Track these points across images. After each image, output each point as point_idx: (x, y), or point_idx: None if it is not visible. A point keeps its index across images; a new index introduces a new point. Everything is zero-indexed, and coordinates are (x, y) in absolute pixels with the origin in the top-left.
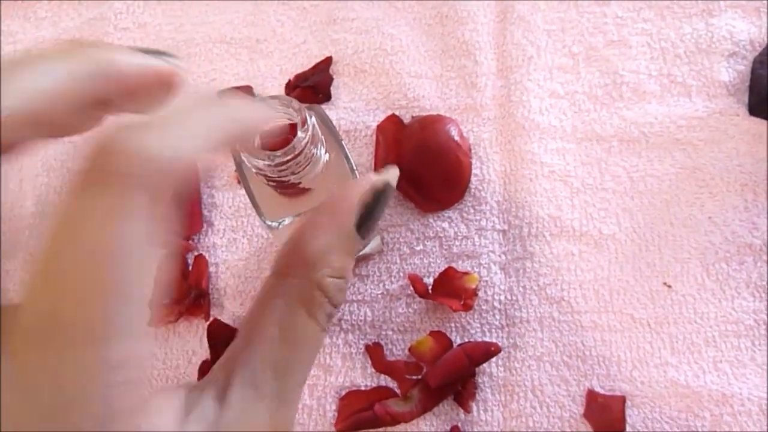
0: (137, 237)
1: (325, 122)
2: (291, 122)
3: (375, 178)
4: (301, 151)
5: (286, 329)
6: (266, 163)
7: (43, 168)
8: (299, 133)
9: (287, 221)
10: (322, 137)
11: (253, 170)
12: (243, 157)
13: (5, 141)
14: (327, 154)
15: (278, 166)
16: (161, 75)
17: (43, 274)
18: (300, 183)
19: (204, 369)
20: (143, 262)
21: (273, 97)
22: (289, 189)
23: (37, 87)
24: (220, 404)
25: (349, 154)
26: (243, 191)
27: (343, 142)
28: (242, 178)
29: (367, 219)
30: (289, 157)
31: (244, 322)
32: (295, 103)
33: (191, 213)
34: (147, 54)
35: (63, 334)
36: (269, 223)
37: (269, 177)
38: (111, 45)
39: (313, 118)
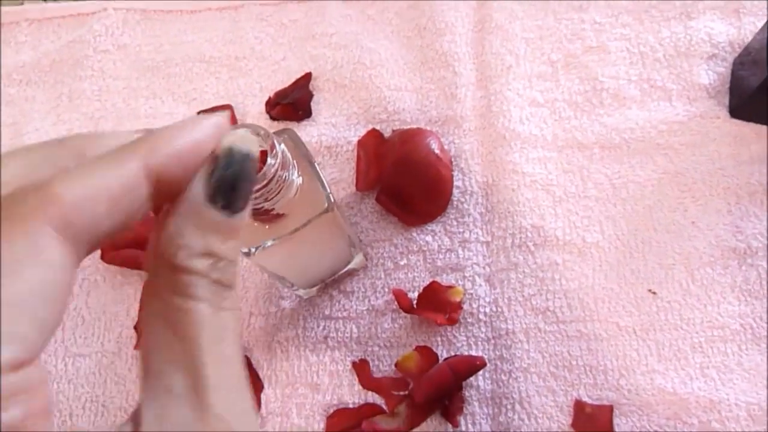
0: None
1: (298, 145)
2: (261, 149)
3: (219, 147)
4: (272, 178)
5: (172, 323)
6: None
7: None
8: (269, 160)
9: (267, 245)
10: (294, 161)
11: None
12: None
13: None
14: (300, 177)
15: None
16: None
17: None
18: (273, 209)
19: None
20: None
21: (240, 126)
22: (263, 215)
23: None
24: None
25: (322, 177)
26: None
27: (316, 164)
28: None
29: (220, 189)
30: (260, 185)
31: (140, 339)
32: (262, 130)
33: None
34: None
35: None
36: (244, 249)
37: None
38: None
39: (282, 145)
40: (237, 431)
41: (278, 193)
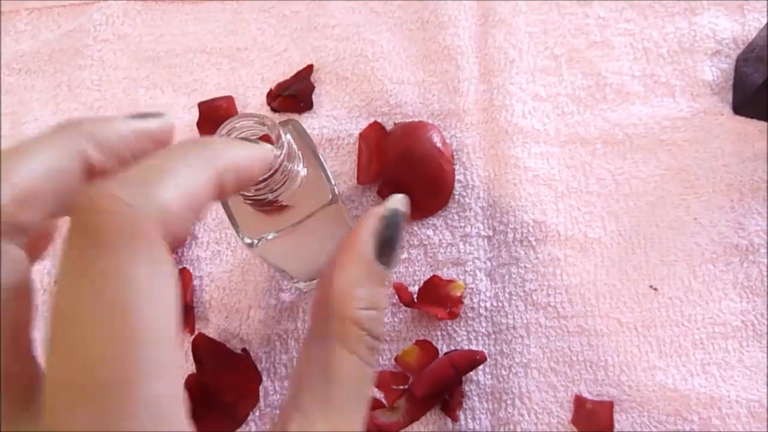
0: (149, 284)
1: (302, 136)
2: (265, 137)
3: (378, 209)
4: (278, 169)
5: (328, 369)
6: None
7: None
8: (275, 151)
9: (270, 237)
10: (299, 153)
11: None
12: None
13: (14, 222)
14: (304, 169)
15: (255, 185)
16: (154, 135)
17: (61, 336)
18: (278, 200)
19: (190, 384)
20: (159, 305)
21: (247, 115)
22: (267, 206)
23: (36, 168)
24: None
25: (326, 168)
26: None
27: (320, 155)
28: None
29: (384, 246)
30: (265, 176)
31: (291, 375)
32: (269, 121)
33: None
34: (134, 118)
35: (93, 387)
36: (247, 240)
37: (246, 195)
38: (103, 117)
39: (288, 135)
40: None
41: (283, 184)
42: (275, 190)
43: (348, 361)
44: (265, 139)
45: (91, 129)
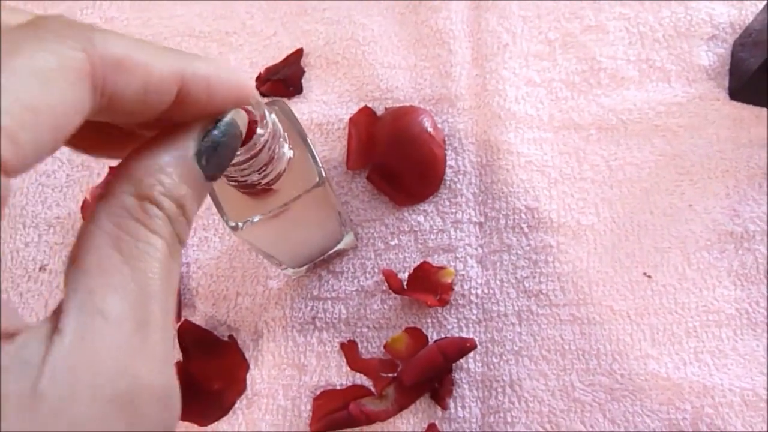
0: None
1: (289, 117)
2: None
3: (228, 113)
4: (261, 149)
5: (124, 249)
6: None
7: None
8: (258, 130)
9: (256, 219)
10: (285, 134)
11: None
12: None
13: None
14: (291, 150)
15: (238, 165)
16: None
17: None
18: (263, 182)
19: (176, 371)
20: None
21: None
22: (252, 189)
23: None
24: (50, 339)
25: (314, 150)
26: None
27: (308, 138)
28: None
29: (210, 149)
30: (248, 155)
31: (71, 251)
32: (253, 99)
33: None
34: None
35: None
36: (232, 223)
37: (230, 177)
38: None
39: (273, 115)
40: (168, 373)
41: (268, 164)
42: (260, 171)
43: (149, 238)
44: (250, 117)
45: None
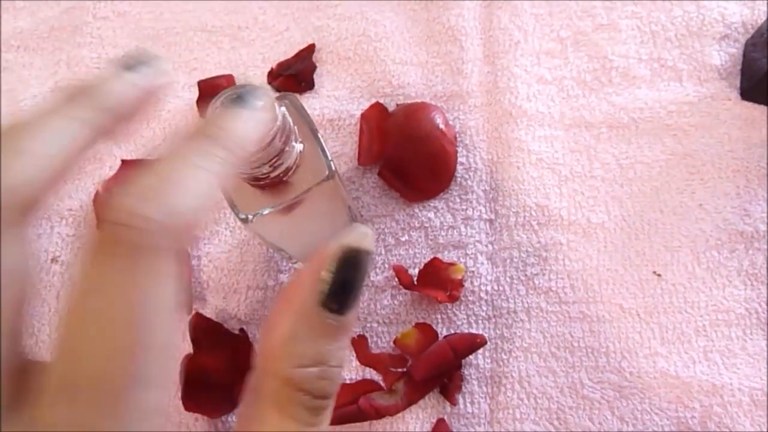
0: (159, 298)
1: (300, 111)
2: None
3: (336, 245)
4: (271, 142)
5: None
6: None
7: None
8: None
9: (266, 212)
10: (295, 128)
11: None
12: None
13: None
14: (301, 144)
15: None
16: (151, 93)
17: (70, 339)
18: (272, 174)
19: (187, 364)
20: (166, 319)
21: (242, 86)
22: (262, 181)
23: (53, 153)
24: None
25: (324, 145)
26: None
27: (318, 132)
28: None
29: (338, 292)
30: (258, 147)
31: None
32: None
33: None
34: (129, 71)
35: (93, 387)
36: (242, 215)
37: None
38: (101, 78)
39: (284, 108)
40: None
41: (278, 157)
42: (270, 164)
43: (280, 426)
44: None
45: (101, 99)
